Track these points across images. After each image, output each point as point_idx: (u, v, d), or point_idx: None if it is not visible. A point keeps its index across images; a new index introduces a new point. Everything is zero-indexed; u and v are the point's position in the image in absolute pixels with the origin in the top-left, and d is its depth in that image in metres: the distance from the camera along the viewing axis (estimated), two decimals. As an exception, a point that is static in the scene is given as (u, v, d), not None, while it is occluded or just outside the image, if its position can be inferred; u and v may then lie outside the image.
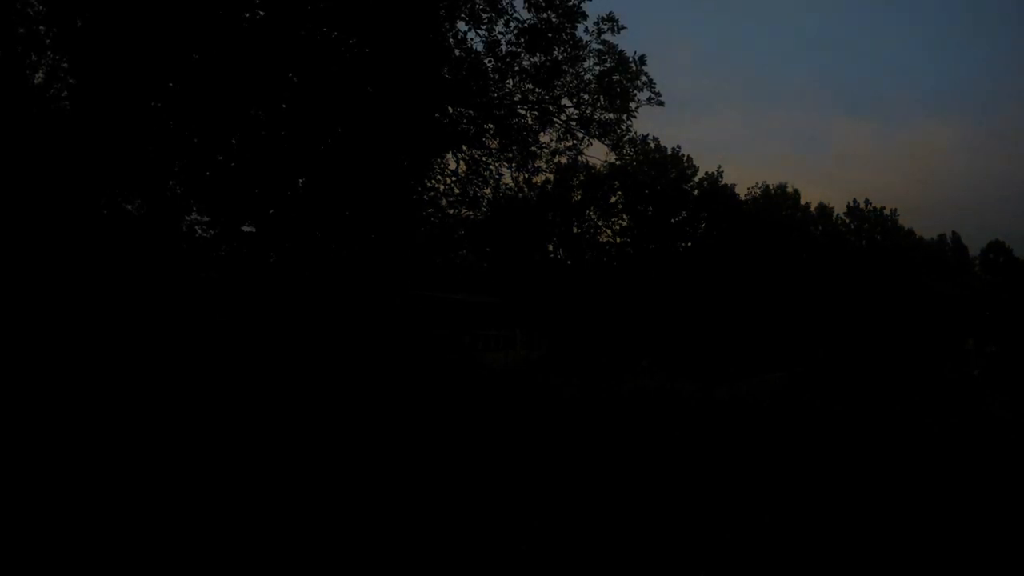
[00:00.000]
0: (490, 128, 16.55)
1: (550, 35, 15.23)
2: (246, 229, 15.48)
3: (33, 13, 12.59)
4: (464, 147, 16.74)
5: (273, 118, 14.46)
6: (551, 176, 26.70)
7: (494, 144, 16.76)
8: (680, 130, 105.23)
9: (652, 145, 48.71)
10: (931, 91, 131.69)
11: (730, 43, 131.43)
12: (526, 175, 17.65)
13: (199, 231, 15.02)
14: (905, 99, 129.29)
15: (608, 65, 15.70)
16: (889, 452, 7.05)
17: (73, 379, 9.10)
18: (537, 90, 16.12)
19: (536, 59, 15.60)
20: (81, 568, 4.07)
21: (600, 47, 15.54)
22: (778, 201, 55.72)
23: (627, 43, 78.64)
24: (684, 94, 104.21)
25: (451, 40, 15.38)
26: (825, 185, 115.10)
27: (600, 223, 48.48)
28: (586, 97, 16.17)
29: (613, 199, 48.44)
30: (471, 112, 16.26)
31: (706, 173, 51.05)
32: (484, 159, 16.98)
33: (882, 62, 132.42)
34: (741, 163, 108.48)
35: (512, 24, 15.20)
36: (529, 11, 15.10)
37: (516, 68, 15.72)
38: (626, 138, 16.75)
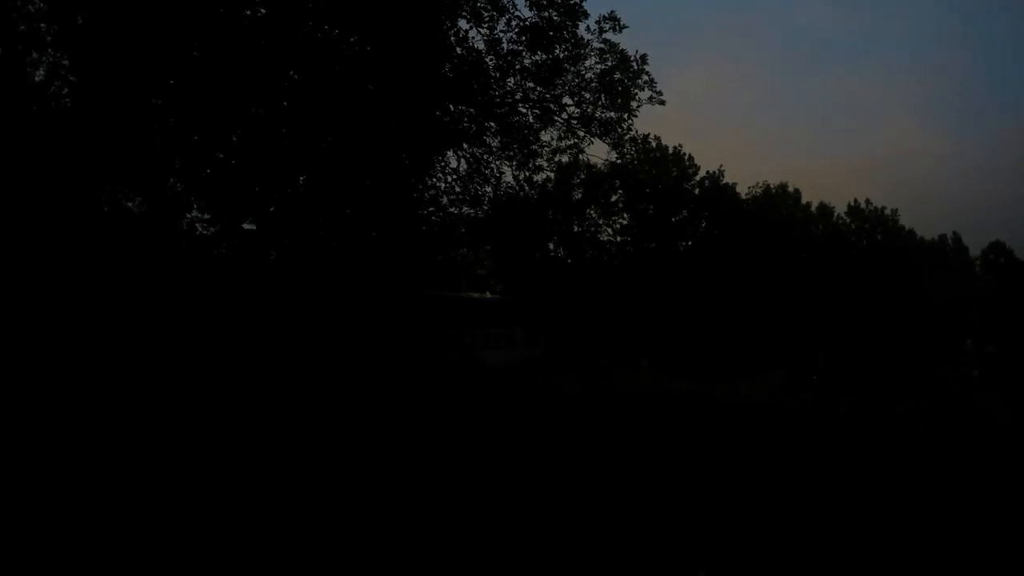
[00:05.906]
0: (491, 126, 16.51)
1: (551, 33, 15.17)
2: (246, 227, 15.49)
3: (34, 11, 12.60)
4: (465, 145, 16.71)
5: (274, 116, 14.44)
6: (552, 175, 26.71)
7: (495, 142, 16.72)
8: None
9: (653, 144, 48.67)
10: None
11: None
12: (527, 173, 17.59)
13: (199, 229, 15.05)
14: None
15: (609, 64, 15.63)
16: (888, 454, 7.06)
17: (74, 377, 9.11)
18: (538, 88, 16.05)
19: (537, 57, 15.53)
20: (82, 567, 4.08)
21: (601, 46, 15.47)
22: (779, 200, 55.57)
23: (631, 41, 78.25)
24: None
25: (452, 38, 15.33)
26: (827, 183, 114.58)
27: (601, 222, 48.40)
28: (587, 96, 16.11)
29: (614, 198, 48.34)
30: (472, 110, 16.22)
31: (707, 172, 50.96)
32: (485, 157, 16.95)
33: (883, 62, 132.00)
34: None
35: (514, 22, 15.15)
36: (530, 9, 15.04)
37: (517, 66, 15.66)
38: (627, 137, 16.69)
